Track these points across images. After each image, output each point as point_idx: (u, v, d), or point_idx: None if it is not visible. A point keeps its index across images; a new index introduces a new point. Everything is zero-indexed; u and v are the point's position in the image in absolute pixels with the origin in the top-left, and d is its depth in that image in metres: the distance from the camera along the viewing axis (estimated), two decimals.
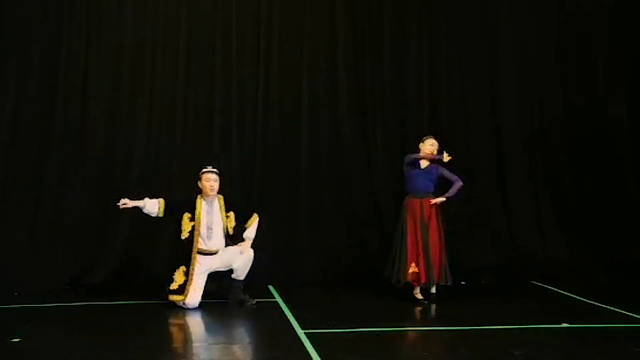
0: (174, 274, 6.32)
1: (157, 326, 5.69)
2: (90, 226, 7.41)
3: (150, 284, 7.08)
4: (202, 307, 6.34)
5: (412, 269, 6.48)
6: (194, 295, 6.25)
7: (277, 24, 7.95)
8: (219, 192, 6.56)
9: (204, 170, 6.53)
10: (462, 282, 7.43)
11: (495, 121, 8.38)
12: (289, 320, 5.79)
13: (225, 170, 7.16)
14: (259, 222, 6.64)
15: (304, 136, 7.94)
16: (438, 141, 6.85)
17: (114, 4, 7.69)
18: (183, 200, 6.53)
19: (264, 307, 6.37)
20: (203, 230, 6.38)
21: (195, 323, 5.93)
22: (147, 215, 6.50)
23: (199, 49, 7.83)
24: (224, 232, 6.48)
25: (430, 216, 6.60)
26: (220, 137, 7.72)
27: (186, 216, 6.40)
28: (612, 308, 6.39)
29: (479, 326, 5.65)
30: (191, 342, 5.21)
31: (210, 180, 6.43)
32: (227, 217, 6.52)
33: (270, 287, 7.10)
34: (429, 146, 6.73)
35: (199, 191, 6.54)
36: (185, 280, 6.28)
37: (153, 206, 6.41)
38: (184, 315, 6.09)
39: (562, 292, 7.21)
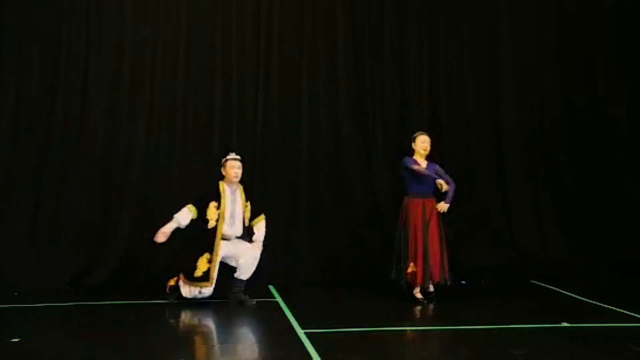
0: (196, 262, 6.29)
1: (157, 326, 5.69)
2: (90, 226, 7.41)
3: (150, 284, 7.09)
4: (203, 306, 6.34)
5: (411, 268, 6.48)
6: (214, 282, 6.33)
7: (277, 24, 7.95)
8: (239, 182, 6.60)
9: (228, 157, 6.55)
10: (462, 282, 7.44)
11: (495, 121, 8.39)
12: (289, 320, 5.79)
13: None
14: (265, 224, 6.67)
15: (304, 136, 7.94)
16: (435, 136, 6.83)
17: (114, 4, 7.69)
18: (208, 192, 6.48)
19: (264, 307, 6.37)
20: (227, 217, 6.41)
21: (196, 323, 5.93)
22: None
23: (199, 49, 7.83)
24: (242, 221, 6.52)
25: (431, 217, 6.60)
26: (220, 137, 7.72)
27: (212, 205, 6.41)
28: (612, 308, 6.39)
29: (479, 326, 5.65)
30: (191, 342, 5.20)
31: (234, 167, 6.47)
32: (246, 206, 6.57)
33: (271, 287, 7.09)
34: (421, 143, 6.71)
35: (221, 178, 6.54)
36: (209, 268, 6.30)
37: (185, 218, 6.37)
38: (184, 315, 6.10)
39: (562, 291, 7.21)
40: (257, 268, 6.51)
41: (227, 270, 6.53)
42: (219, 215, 6.38)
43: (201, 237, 6.38)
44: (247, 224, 6.59)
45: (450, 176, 6.70)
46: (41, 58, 7.49)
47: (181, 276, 6.40)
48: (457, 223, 7.81)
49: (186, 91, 7.78)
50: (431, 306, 6.44)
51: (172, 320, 5.90)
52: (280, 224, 7.54)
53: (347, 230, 7.89)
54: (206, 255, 6.32)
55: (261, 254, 6.52)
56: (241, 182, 6.65)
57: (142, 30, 7.70)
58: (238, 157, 6.57)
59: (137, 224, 7.47)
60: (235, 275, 6.44)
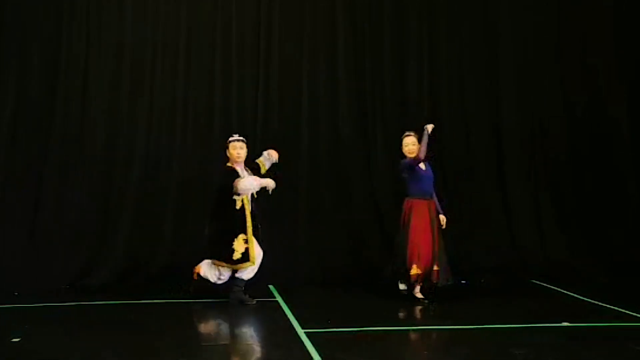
0: (232, 245, 6.31)
1: (157, 326, 5.68)
2: (90, 226, 7.41)
3: (150, 284, 7.10)
4: (203, 306, 6.35)
5: (414, 270, 6.45)
6: (258, 261, 6.39)
7: (277, 24, 7.96)
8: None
9: (231, 139, 6.57)
10: (462, 282, 7.43)
11: (495, 121, 8.39)
12: (289, 320, 5.79)
13: None
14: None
15: (304, 136, 7.95)
16: (435, 136, 6.78)
17: (114, 4, 7.69)
18: (230, 173, 6.43)
19: (264, 307, 6.37)
20: (249, 194, 6.46)
21: (196, 322, 5.93)
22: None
23: (199, 49, 7.83)
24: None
25: (433, 217, 6.59)
26: (220, 137, 7.71)
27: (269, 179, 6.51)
28: (612, 307, 6.39)
29: (479, 326, 5.65)
30: (191, 341, 5.20)
31: (237, 147, 6.50)
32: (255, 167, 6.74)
33: (271, 287, 7.09)
34: (405, 147, 6.64)
35: (227, 160, 6.56)
36: (246, 247, 6.34)
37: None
38: (184, 314, 6.09)
39: (562, 291, 7.21)
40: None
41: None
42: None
43: (230, 220, 6.38)
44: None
45: (449, 177, 6.71)
46: (41, 58, 7.50)
47: (215, 262, 6.41)
48: (457, 223, 7.82)
49: (186, 91, 7.78)
50: (431, 306, 6.43)
51: (172, 320, 5.89)
52: (280, 224, 7.55)
53: (347, 230, 7.90)
54: (241, 236, 6.36)
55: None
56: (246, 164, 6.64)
57: (142, 30, 7.71)
58: (241, 138, 6.58)
59: (137, 224, 7.48)
60: (237, 274, 6.44)
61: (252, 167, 6.70)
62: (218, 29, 7.87)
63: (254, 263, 6.37)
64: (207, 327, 5.96)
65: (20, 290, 6.76)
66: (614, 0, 8.57)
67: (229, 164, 6.53)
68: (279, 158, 6.92)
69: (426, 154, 6.53)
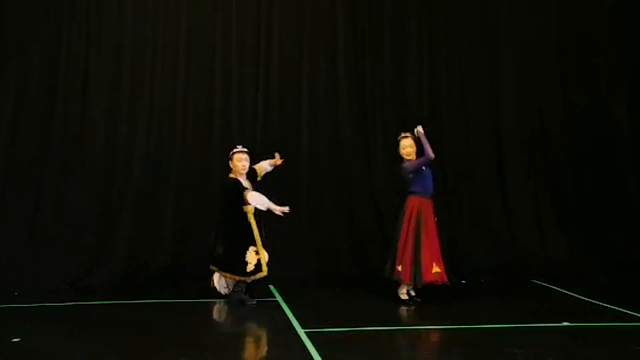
0: (245, 258, 6.37)
1: (157, 326, 5.68)
2: (91, 226, 7.41)
3: (150, 284, 7.10)
4: (203, 306, 6.35)
5: (435, 269, 6.42)
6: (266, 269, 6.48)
7: (277, 24, 7.96)
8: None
9: (235, 150, 6.57)
10: (462, 282, 7.43)
11: (495, 121, 8.39)
12: (289, 320, 5.80)
13: (226, 170, 7.14)
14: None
15: (304, 136, 7.95)
16: (435, 136, 6.77)
17: (114, 4, 7.69)
18: (235, 184, 6.46)
19: (264, 307, 6.37)
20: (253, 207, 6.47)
21: (196, 322, 5.92)
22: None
23: (199, 49, 7.83)
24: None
25: (436, 217, 6.59)
26: (220, 137, 7.72)
27: (252, 250, 6.49)
28: (612, 307, 6.39)
29: (479, 325, 5.65)
30: (191, 341, 5.19)
31: (242, 160, 6.52)
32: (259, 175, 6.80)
33: (271, 287, 7.09)
34: (402, 149, 6.59)
35: (230, 171, 6.56)
36: (258, 259, 6.41)
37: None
38: (184, 314, 6.09)
39: (562, 291, 7.21)
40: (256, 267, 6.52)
41: None
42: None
43: (240, 233, 6.43)
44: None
45: (449, 177, 6.69)
46: (41, 58, 7.49)
47: (228, 276, 6.47)
48: (457, 223, 7.82)
49: (186, 91, 7.78)
50: (431, 306, 6.42)
51: (172, 320, 5.89)
52: (280, 223, 7.54)
53: (347, 230, 7.90)
54: (252, 248, 6.43)
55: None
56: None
57: (142, 30, 7.71)
58: (245, 149, 6.59)
59: (137, 224, 7.48)
60: None
61: (251, 175, 6.68)
62: (218, 29, 7.87)
63: (266, 272, 6.45)
64: (207, 327, 5.95)
65: (20, 290, 6.76)
66: (614, 0, 8.57)
67: (232, 175, 6.53)
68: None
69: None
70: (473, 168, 8.25)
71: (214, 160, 7.56)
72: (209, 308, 6.34)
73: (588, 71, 8.51)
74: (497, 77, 8.43)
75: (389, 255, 6.61)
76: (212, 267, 6.56)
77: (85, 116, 7.54)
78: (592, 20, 8.50)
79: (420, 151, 6.60)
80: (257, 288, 6.60)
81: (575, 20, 8.51)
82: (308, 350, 4.85)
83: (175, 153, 7.68)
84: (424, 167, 6.63)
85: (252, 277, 6.40)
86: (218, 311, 6.26)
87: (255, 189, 6.51)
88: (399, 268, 6.44)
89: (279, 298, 6.69)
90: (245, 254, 6.38)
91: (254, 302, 6.39)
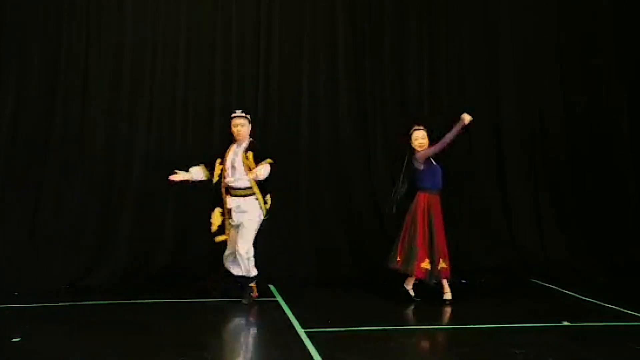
0: (210, 219, 6.43)
1: (157, 326, 5.68)
2: (90, 226, 7.40)
3: (150, 284, 7.10)
4: (203, 306, 6.34)
5: (425, 265, 6.42)
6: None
7: (277, 24, 7.95)
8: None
9: (232, 115, 6.58)
10: (462, 282, 7.43)
11: (495, 121, 8.39)
12: (289, 320, 5.80)
13: None
14: (272, 166, 6.50)
15: (304, 136, 7.94)
16: (435, 136, 6.74)
17: (114, 4, 7.68)
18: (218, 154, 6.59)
19: (264, 307, 6.37)
20: (228, 167, 6.47)
21: (196, 322, 5.92)
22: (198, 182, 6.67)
23: (199, 49, 7.83)
24: (246, 170, 6.44)
25: (441, 212, 6.59)
26: (220, 137, 7.71)
27: (217, 161, 6.52)
28: (612, 307, 6.39)
29: (479, 325, 5.65)
30: (191, 341, 5.19)
31: (237, 125, 6.52)
32: (247, 157, 6.53)
33: (271, 287, 7.09)
34: (415, 140, 6.62)
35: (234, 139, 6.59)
36: (223, 220, 6.44)
37: (198, 173, 6.60)
38: (184, 314, 6.09)
39: (562, 290, 7.21)
40: (257, 267, 6.51)
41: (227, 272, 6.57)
42: (221, 170, 6.48)
43: (215, 195, 6.48)
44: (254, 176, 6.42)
45: (449, 176, 6.69)
46: (41, 58, 7.48)
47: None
48: (457, 223, 7.81)
49: (186, 91, 7.78)
50: (431, 306, 6.43)
51: (172, 320, 5.89)
52: (280, 223, 7.54)
53: (347, 230, 7.89)
54: (218, 210, 6.44)
55: (261, 253, 6.52)
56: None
57: (142, 30, 7.70)
58: (242, 114, 6.57)
59: (137, 224, 7.47)
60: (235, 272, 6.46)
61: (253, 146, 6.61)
62: (218, 29, 7.87)
63: (228, 236, 6.45)
64: (207, 327, 5.95)
65: (20, 290, 6.76)
66: (614, 0, 8.57)
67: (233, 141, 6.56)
68: (277, 159, 6.92)
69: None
70: (473, 168, 8.24)
71: (214, 160, 7.53)
72: (209, 308, 6.34)
73: (588, 71, 8.50)
74: (497, 77, 8.43)
75: (405, 250, 6.53)
76: None
77: (85, 116, 7.53)
78: (592, 20, 8.50)
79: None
80: (257, 287, 6.61)
81: (575, 20, 8.51)
82: (308, 350, 4.86)
83: (175, 153, 7.67)
84: (434, 162, 6.62)
85: (216, 239, 6.42)
86: (218, 311, 6.25)
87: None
88: (423, 265, 6.42)
89: (279, 298, 6.69)
90: (212, 214, 6.43)
91: (245, 302, 6.39)
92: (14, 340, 5.05)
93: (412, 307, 6.45)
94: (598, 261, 8.04)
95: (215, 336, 5.67)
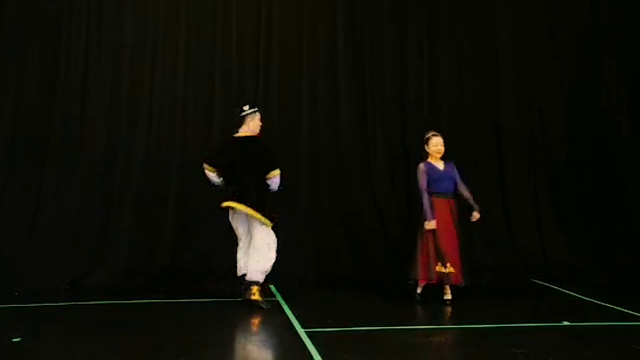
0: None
1: (158, 326, 5.67)
2: (90, 226, 7.40)
3: (150, 284, 7.10)
4: (203, 306, 6.34)
5: (439, 268, 6.41)
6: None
7: (277, 24, 7.96)
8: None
9: (254, 110, 6.52)
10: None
11: (495, 121, 8.39)
12: (289, 319, 5.80)
13: None
14: (282, 176, 6.46)
15: (304, 136, 7.95)
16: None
17: (114, 4, 7.70)
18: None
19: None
20: None
21: (196, 322, 5.92)
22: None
23: (199, 49, 7.83)
24: None
25: (455, 217, 6.55)
26: (220, 138, 7.71)
27: None
28: (612, 306, 6.39)
29: (479, 325, 5.65)
30: (192, 341, 5.19)
31: (254, 119, 6.50)
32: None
33: (271, 287, 7.09)
34: (434, 146, 6.59)
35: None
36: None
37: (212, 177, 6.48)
38: (185, 314, 6.09)
39: (562, 290, 7.21)
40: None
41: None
42: None
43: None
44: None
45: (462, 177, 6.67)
46: (41, 58, 7.49)
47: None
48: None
49: (186, 91, 7.78)
50: (432, 306, 6.43)
51: (172, 320, 5.89)
52: (280, 224, 7.53)
53: (347, 230, 7.89)
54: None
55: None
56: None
57: (142, 30, 7.71)
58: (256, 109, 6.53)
59: (137, 224, 7.47)
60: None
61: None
62: (218, 29, 7.88)
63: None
64: (207, 327, 5.94)
65: (20, 290, 6.75)
66: (614, 0, 8.57)
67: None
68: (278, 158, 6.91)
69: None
70: (473, 168, 8.24)
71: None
72: (208, 308, 6.33)
73: (588, 71, 8.51)
74: (497, 77, 8.44)
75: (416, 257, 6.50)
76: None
77: (85, 116, 7.54)
78: (592, 19, 8.51)
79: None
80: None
81: (575, 19, 8.51)
82: (308, 350, 4.85)
83: (175, 153, 7.68)
84: (441, 168, 6.60)
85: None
86: (218, 311, 6.25)
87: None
88: (444, 269, 6.38)
89: (279, 298, 6.68)
90: None
91: (241, 299, 6.34)
92: (14, 340, 5.05)
93: (412, 307, 6.44)
94: (598, 261, 8.05)
95: (215, 336, 5.65)
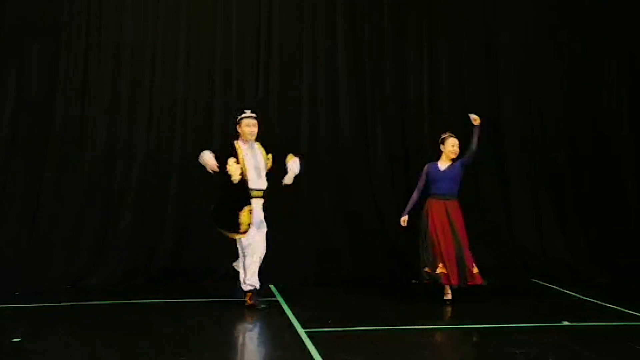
0: (239, 218, 6.22)
1: (158, 326, 5.67)
2: (90, 226, 7.40)
3: (150, 284, 7.11)
4: (203, 306, 6.34)
5: (440, 269, 6.41)
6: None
7: (277, 24, 7.96)
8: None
9: (244, 115, 6.43)
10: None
11: (496, 121, 8.38)
12: (289, 319, 5.80)
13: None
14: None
15: (304, 136, 7.94)
16: (435, 137, 6.75)
17: (114, 4, 7.70)
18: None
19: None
20: (251, 171, 6.34)
21: (196, 322, 5.92)
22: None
23: (199, 49, 7.83)
24: (266, 175, 6.43)
25: (457, 218, 6.54)
26: (220, 137, 7.71)
27: (231, 160, 6.31)
28: (612, 306, 6.39)
29: (479, 325, 5.65)
30: (192, 342, 5.19)
31: (250, 125, 6.41)
32: (268, 159, 6.54)
33: (271, 287, 7.09)
34: (451, 147, 6.60)
35: (236, 137, 6.47)
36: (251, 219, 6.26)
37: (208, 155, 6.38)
38: (185, 314, 6.09)
39: (562, 290, 7.21)
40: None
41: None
42: (241, 169, 6.30)
43: (235, 194, 6.27)
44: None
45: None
46: (41, 58, 7.49)
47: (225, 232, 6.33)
48: None
49: (186, 91, 7.78)
50: (432, 306, 6.42)
51: (172, 320, 5.89)
52: (280, 224, 7.53)
53: (347, 230, 7.89)
54: (248, 207, 6.24)
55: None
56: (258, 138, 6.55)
57: (142, 30, 7.71)
58: (253, 114, 6.46)
59: (137, 224, 7.47)
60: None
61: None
62: (218, 29, 7.87)
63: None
64: (207, 327, 5.94)
65: (20, 290, 6.75)
66: (614, 0, 8.57)
67: (236, 141, 6.42)
68: (277, 159, 6.88)
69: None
70: (473, 168, 8.22)
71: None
72: (208, 308, 6.33)
73: (588, 71, 8.51)
74: (497, 76, 8.44)
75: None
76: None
77: (85, 116, 7.54)
78: (592, 19, 8.51)
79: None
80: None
81: (575, 19, 8.51)
82: (308, 350, 4.85)
83: (175, 153, 7.68)
84: (441, 168, 6.60)
85: (239, 235, 6.24)
86: (218, 311, 6.25)
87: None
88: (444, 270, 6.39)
89: (279, 298, 6.68)
90: (240, 213, 6.22)
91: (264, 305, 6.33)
92: (14, 340, 5.05)
93: (412, 307, 6.44)
94: (598, 261, 8.05)
95: (215, 336, 5.65)
